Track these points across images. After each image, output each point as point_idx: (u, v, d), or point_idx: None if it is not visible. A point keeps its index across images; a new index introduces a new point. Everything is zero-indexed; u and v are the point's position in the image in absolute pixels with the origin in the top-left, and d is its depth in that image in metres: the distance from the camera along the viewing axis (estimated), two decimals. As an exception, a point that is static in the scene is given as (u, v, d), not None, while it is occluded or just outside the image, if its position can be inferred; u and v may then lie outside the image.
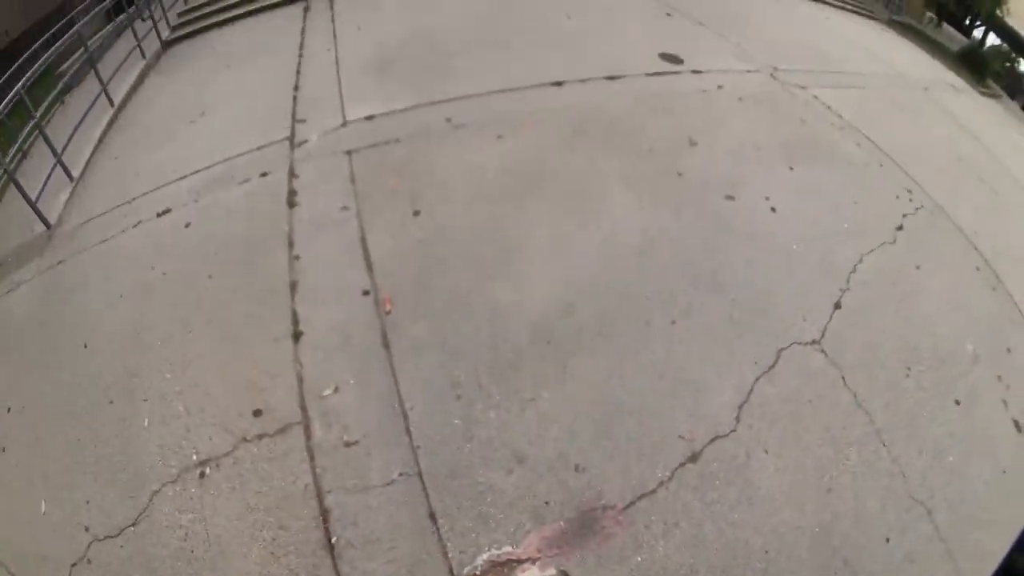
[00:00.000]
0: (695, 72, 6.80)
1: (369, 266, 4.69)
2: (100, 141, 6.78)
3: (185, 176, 5.80)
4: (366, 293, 4.27)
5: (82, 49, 6.85)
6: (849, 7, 15.99)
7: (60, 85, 6.79)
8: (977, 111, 10.94)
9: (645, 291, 4.34)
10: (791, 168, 5.86)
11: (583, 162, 5.34)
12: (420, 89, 6.16)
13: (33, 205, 5.39)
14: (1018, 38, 21.30)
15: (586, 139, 5.57)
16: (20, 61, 6.29)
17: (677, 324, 4.22)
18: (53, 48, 6.19)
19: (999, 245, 5.83)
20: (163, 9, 9.25)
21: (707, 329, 4.21)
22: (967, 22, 23.28)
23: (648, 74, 6.52)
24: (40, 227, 5.47)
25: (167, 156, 6.13)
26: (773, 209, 5.41)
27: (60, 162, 5.89)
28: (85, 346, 4.31)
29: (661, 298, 4.32)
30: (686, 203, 5.15)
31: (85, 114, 6.60)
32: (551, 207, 4.93)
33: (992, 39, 22.19)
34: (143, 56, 8.19)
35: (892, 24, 17.75)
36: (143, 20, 8.69)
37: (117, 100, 7.34)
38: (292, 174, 5.60)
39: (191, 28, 9.04)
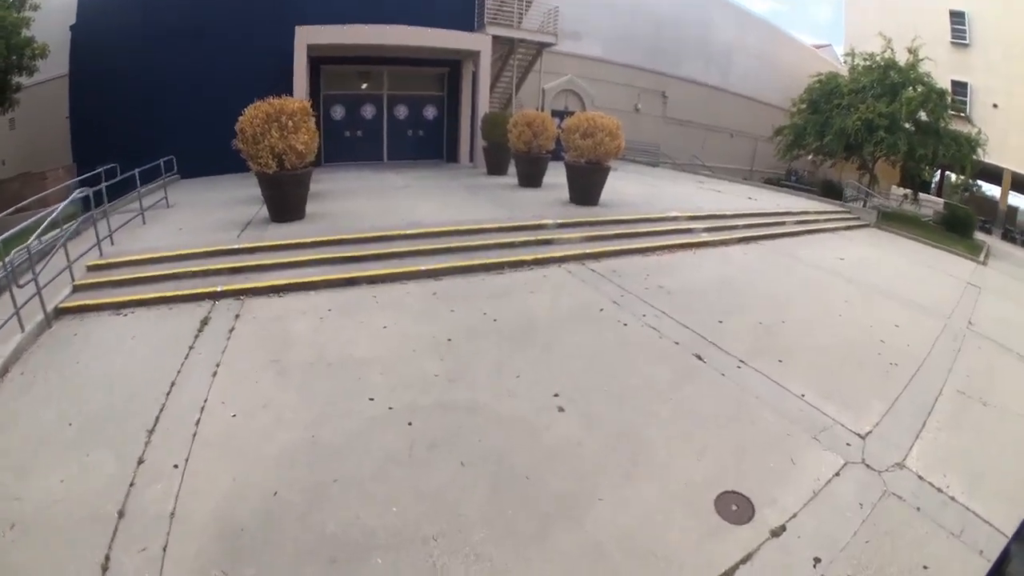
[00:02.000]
0: (775, 534, 4.00)
1: None
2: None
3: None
4: None
5: None
6: (842, 224, 14.60)
7: None
8: (1000, 304, 10.53)
9: None
10: None
11: None
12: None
13: None
14: (989, 169, 20.50)
15: None
16: None
17: None
18: None
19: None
20: (68, 258, 6.81)
21: None
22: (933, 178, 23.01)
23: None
24: None
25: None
26: None
27: None
28: None
29: None
30: None
31: None
32: None
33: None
34: (21, 329, 5.76)
35: (882, 219, 16.51)
36: (18, 285, 6.05)
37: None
38: None
39: (92, 300, 6.67)
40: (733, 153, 26.86)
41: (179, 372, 5.17)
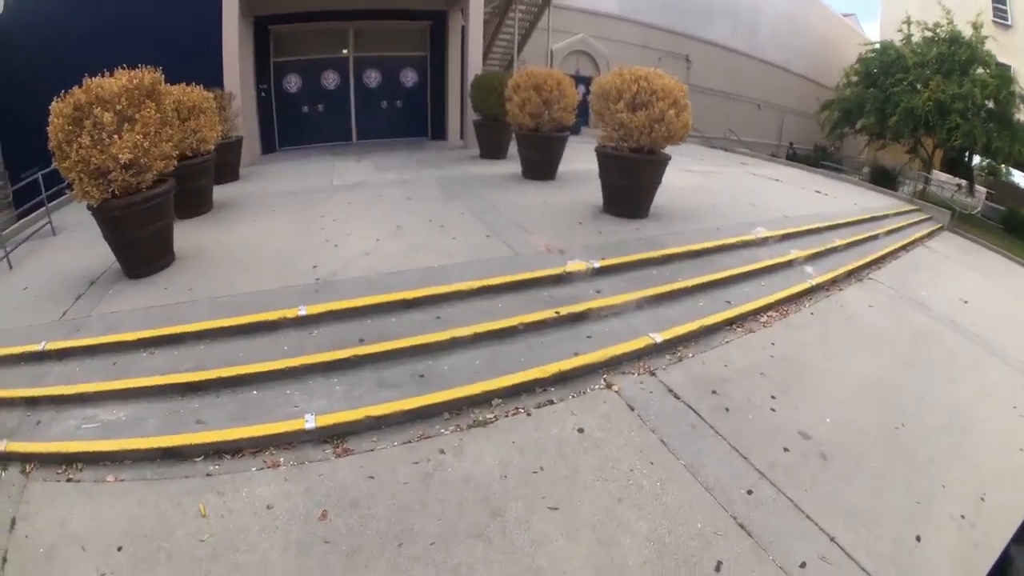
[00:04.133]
0: None
1: None
2: None
3: None
4: None
5: None
6: (924, 230, 11.18)
7: None
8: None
9: None
10: None
11: None
12: None
13: None
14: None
15: None
16: None
17: None
18: None
19: None
20: None
21: None
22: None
23: None
24: None
25: None
26: None
27: None
28: None
29: None
30: None
31: None
32: None
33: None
34: None
35: (956, 220, 13.00)
36: None
37: None
38: None
39: None
40: (760, 126, 22.82)
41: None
